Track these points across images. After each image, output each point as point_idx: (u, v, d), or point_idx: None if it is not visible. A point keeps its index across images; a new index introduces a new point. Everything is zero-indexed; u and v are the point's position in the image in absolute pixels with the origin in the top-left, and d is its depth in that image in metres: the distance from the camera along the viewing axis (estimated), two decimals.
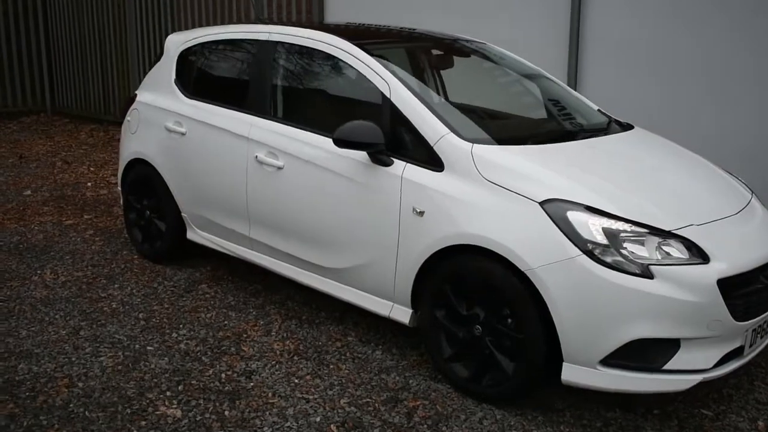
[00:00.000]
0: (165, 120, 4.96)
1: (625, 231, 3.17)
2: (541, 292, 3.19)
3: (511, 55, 4.81)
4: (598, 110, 4.51)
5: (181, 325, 4.30)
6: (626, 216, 3.21)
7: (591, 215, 3.20)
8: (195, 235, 4.98)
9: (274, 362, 3.88)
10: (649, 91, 5.90)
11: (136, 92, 5.41)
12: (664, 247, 3.18)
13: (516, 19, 6.51)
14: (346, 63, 4.06)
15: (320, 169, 4.00)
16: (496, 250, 3.30)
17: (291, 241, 4.24)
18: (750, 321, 3.25)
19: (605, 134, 4.02)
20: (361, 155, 3.80)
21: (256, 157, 4.31)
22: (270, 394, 3.57)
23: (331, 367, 3.85)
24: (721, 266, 3.16)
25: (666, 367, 3.14)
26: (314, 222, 4.08)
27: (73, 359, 3.88)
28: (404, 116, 3.72)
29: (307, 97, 4.48)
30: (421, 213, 3.57)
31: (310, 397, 3.56)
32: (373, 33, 4.57)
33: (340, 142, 3.72)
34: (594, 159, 3.73)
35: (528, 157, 3.56)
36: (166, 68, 5.14)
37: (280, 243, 4.32)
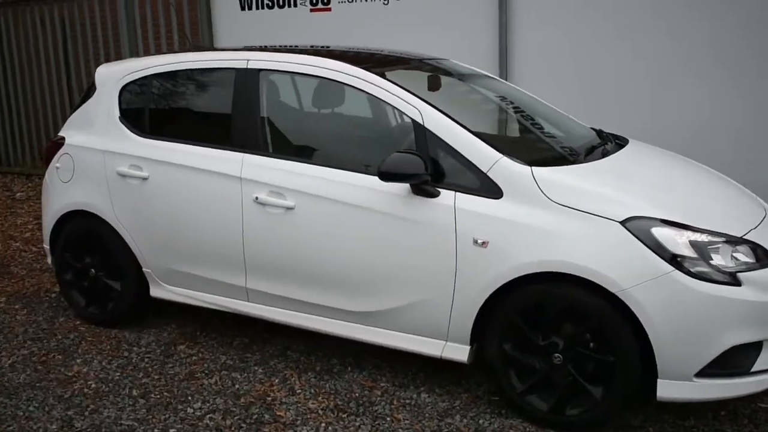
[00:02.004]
0: (115, 164, 4.33)
1: (705, 242, 3.22)
2: (636, 312, 3.15)
3: (484, 72, 4.75)
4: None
5: (189, 397, 3.76)
6: (703, 227, 3.26)
7: (673, 229, 3.22)
8: (162, 291, 4.39)
9: (323, 424, 3.51)
10: (576, 98, 6.05)
11: (61, 134, 4.68)
12: (734, 254, 3.27)
13: (444, 32, 6.46)
14: (362, 90, 3.74)
15: (346, 206, 3.67)
16: (582, 275, 3.21)
17: (307, 287, 3.86)
18: None
19: (621, 149, 4.05)
20: (400, 188, 3.54)
21: (256, 198, 3.88)
22: None
23: (388, 419, 3.55)
24: None
25: (753, 369, 3.24)
26: (341, 264, 3.74)
27: None
28: (446, 143, 3.52)
29: (315, 130, 4.11)
30: (484, 244, 3.39)
31: None
32: (366, 58, 4.28)
33: (386, 176, 3.44)
34: (638, 174, 3.76)
35: (588, 176, 3.50)
36: (104, 105, 4.49)
37: (289, 290, 3.92)
